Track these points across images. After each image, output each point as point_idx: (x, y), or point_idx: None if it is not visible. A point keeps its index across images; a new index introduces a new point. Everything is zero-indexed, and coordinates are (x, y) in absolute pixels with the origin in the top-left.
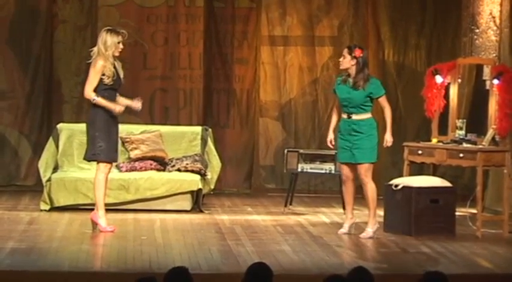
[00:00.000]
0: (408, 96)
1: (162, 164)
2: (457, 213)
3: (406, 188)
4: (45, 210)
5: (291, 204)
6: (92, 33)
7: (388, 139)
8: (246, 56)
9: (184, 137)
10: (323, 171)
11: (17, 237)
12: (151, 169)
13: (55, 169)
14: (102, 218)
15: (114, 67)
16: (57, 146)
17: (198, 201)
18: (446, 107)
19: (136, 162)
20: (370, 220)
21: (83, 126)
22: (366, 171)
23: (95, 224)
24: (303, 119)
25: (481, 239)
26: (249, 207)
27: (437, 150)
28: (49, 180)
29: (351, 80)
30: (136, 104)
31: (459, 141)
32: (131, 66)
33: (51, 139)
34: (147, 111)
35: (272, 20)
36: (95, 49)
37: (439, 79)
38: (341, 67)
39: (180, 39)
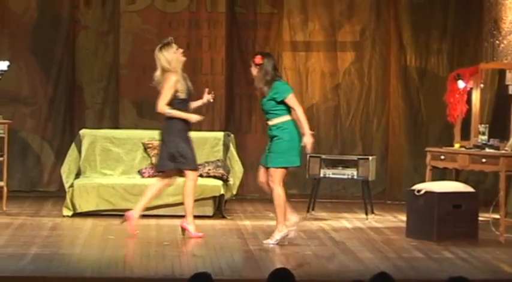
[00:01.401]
0: (430, 101)
1: None
2: (479, 219)
3: (428, 193)
4: (68, 216)
5: (313, 209)
6: (114, 39)
7: (306, 141)
8: None
9: (206, 143)
10: (345, 177)
11: (40, 243)
12: (173, 175)
13: (77, 175)
14: (191, 225)
15: (184, 81)
16: (79, 152)
17: (220, 206)
18: (469, 112)
19: None
20: (277, 226)
21: (105, 132)
22: (272, 176)
23: (184, 231)
24: (325, 124)
25: (504, 244)
26: (271, 212)
27: (460, 155)
28: (72, 186)
29: (260, 87)
30: (209, 98)
31: (482, 147)
32: (153, 72)
33: (73, 145)
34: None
35: (294, 25)
36: (158, 72)
37: (461, 84)
38: (253, 77)
39: (202, 44)
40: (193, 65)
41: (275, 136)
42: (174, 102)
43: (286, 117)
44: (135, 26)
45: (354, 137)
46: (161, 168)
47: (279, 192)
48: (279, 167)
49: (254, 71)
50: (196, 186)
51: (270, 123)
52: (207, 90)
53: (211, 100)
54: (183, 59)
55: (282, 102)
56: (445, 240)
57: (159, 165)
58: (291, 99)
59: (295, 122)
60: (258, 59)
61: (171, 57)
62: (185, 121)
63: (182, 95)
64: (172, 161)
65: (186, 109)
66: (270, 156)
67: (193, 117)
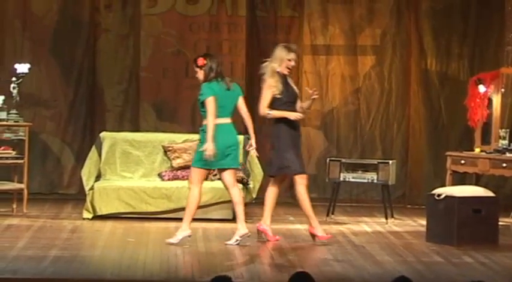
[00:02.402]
0: (451, 105)
1: None
2: (499, 223)
3: (448, 198)
4: (88, 219)
5: (333, 213)
6: (135, 42)
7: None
8: None
9: None
10: (365, 181)
11: (60, 246)
12: None
13: (98, 177)
14: (317, 228)
15: (285, 82)
16: (99, 155)
17: None
18: (489, 116)
19: (179, 171)
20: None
21: (125, 135)
22: (189, 174)
23: (313, 236)
24: (345, 128)
25: None
26: (290, 216)
27: (480, 159)
28: (92, 188)
29: None
30: (312, 93)
31: (502, 151)
32: (173, 75)
33: (93, 147)
34: (189, 120)
35: (314, 29)
36: (267, 63)
37: (482, 89)
38: (200, 82)
39: (223, 48)
40: None
41: (201, 137)
42: (276, 105)
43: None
44: (155, 29)
45: (374, 141)
46: (271, 173)
47: (193, 193)
48: (195, 167)
49: (200, 74)
50: (216, 190)
51: (203, 123)
52: (308, 88)
53: (315, 96)
54: (291, 64)
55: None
56: (465, 244)
57: (270, 170)
58: (208, 103)
59: (223, 126)
60: (201, 61)
61: (279, 58)
62: (291, 123)
63: (280, 96)
64: (279, 168)
65: (289, 110)
66: (194, 154)
67: (292, 116)
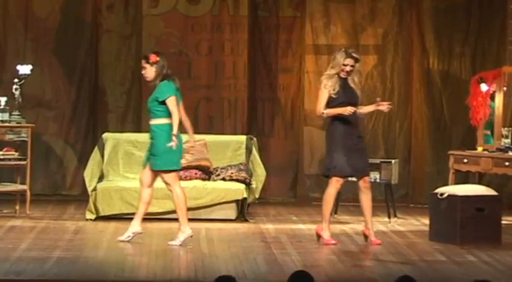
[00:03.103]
0: (453, 104)
1: (207, 173)
2: (502, 222)
3: (451, 197)
4: (91, 220)
5: (336, 213)
6: (137, 43)
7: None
8: (291, 65)
9: (229, 146)
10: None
11: (63, 247)
12: (196, 178)
13: (100, 178)
14: (325, 231)
15: (344, 84)
16: (102, 156)
17: (243, 210)
18: (492, 115)
19: (181, 172)
20: (181, 227)
21: (128, 136)
22: (163, 179)
23: (318, 236)
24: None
25: None
26: (294, 216)
27: (483, 158)
28: (94, 189)
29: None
30: (382, 105)
31: (505, 150)
32: (176, 76)
33: (96, 148)
34: (192, 121)
35: (316, 29)
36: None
37: (484, 87)
38: (148, 80)
39: (225, 48)
40: (216, 69)
41: (152, 137)
42: (331, 105)
43: (166, 120)
44: (157, 29)
45: (377, 140)
46: (322, 173)
47: (178, 193)
48: (163, 170)
49: (151, 70)
50: (218, 190)
51: (150, 122)
52: (379, 99)
53: (381, 108)
54: (346, 69)
55: (164, 103)
56: (468, 243)
57: (322, 170)
58: (170, 102)
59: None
60: (154, 58)
61: (336, 62)
62: (346, 123)
63: (336, 96)
64: (327, 168)
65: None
66: (152, 159)
67: (345, 110)
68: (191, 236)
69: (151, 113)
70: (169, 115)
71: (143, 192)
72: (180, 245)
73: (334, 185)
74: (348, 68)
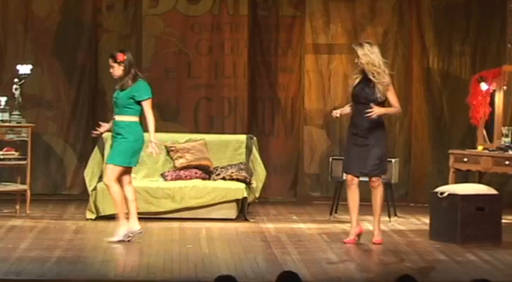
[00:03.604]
0: (453, 103)
1: (207, 172)
2: (503, 221)
3: (451, 196)
4: (91, 219)
5: (336, 212)
6: (137, 43)
7: (150, 149)
8: (291, 64)
9: (229, 146)
10: (368, 179)
11: (64, 246)
12: (196, 178)
13: (101, 178)
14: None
15: (363, 79)
16: (102, 155)
17: (243, 209)
18: (492, 114)
19: (182, 171)
20: (119, 222)
21: None
22: (107, 172)
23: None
24: (347, 126)
25: None
26: (294, 215)
27: (483, 157)
28: (95, 189)
29: (120, 83)
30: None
31: (505, 149)
32: (176, 75)
33: (96, 148)
34: (191, 120)
35: (316, 28)
36: None
37: (484, 86)
38: (115, 77)
39: (225, 48)
40: (216, 69)
41: (120, 134)
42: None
43: (136, 118)
44: (157, 29)
45: None
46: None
47: (115, 190)
48: (118, 165)
49: (119, 69)
50: (219, 190)
51: (118, 118)
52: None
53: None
54: (357, 61)
55: (139, 103)
56: (468, 242)
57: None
58: (148, 103)
59: (141, 125)
60: (121, 56)
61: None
62: (351, 122)
63: (351, 90)
64: (343, 168)
65: (352, 111)
66: (111, 152)
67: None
68: (140, 232)
69: (122, 109)
70: (139, 114)
71: (125, 191)
72: (119, 241)
73: (347, 184)
74: (357, 62)
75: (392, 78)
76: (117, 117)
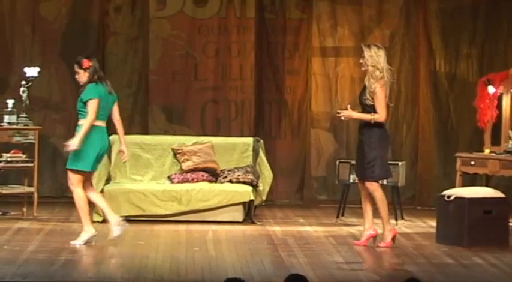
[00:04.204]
0: (460, 106)
1: (214, 175)
2: (510, 224)
3: (458, 199)
4: (98, 222)
5: (343, 215)
6: (144, 45)
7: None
8: (297, 67)
9: (236, 148)
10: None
11: (70, 249)
12: (203, 180)
13: (107, 180)
14: (389, 234)
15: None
16: (109, 158)
17: (250, 212)
18: (499, 117)
19: (189, 174)
20: (83, 227)
21: (134, 138)
22: (69, 177)
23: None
24: (354, 129)
25: None
26: (301, 218)
27: (490, 160)
28: (102, 191)
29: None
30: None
31: None
32: (183, 78)
33: None
34: (198, 123)
35: (323, 31)
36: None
37: (491, 89)
38: (81, 84)
39: (232, 50)
40: (223, 71)
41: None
42: None
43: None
44: (164, 31)
45: None
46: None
47: (79, 194)
48: (75, 170)
49: (84, 75)
50: (226, 193)
51: (79, 123)
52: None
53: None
54: (363, 64)
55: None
56: (475, 246)
57: None
58: (90, 104)
59: (101, 128)
60: (86, 63)
61: None
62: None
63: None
64: None
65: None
66: (70, 157)
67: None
68: (95, 235)
69: (78, 113)
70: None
71: (93, 196)
72: (83, 244)
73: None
74: (361, 61)
75: (399, 84)
76: (78, 122)
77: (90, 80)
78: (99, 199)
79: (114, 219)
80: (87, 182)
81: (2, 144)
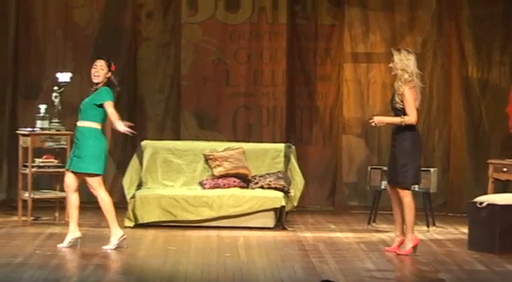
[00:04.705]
0: (492, 112)
1: (245, 181)
2: None
3: (490, 206)
4: (130, 227)
5: (374, 221)
6: (175, 51)
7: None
8: (329, 73)
9: (267, 154)
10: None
11: (101, 254)
12: (234, 186)
13: (139, 186)
14: (410, 243)
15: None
16: (141, 163)
17: (281, 218)
18: None
19: (220, 180)
20: (111, 231)
21: (166, 143)
22: (90, 183)
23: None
24: (386, 135)
25: None
26: (332, 224)
27: None
28: (133, 197)
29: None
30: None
31: None
32: (214, 83)
33: (135, 156)
34: (230, 128)
35: (355, 37)
36: None
37: None
38: (96, 80)
39: (263, 56)
40: (254, 77)
41: (81, 140)
42: None
43: (98, 125)
44: (196, 37)
45: None
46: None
47: (103, 198)
48: (93, 174)
49: (105, 75)
50: (257, 198)
51: (80, 124)
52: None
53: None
54: (393, 68)
55: (101, 107)
56: (507, 253)
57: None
58: (111, 105)
59: (102, 131)
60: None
61: None
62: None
63: None
64: None
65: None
66: (81, 160)
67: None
68: (124, 238)
69: (84, 114)
70: (100, 120)
71: (71, 196)
72: (114, 249)
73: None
74: (391, 65)
75: (431, 90)
76: (79, 123)
77: (106, 83)
78: (76, 204)
79: (74, 229)
80: (77, 182)
81: (34, 150)
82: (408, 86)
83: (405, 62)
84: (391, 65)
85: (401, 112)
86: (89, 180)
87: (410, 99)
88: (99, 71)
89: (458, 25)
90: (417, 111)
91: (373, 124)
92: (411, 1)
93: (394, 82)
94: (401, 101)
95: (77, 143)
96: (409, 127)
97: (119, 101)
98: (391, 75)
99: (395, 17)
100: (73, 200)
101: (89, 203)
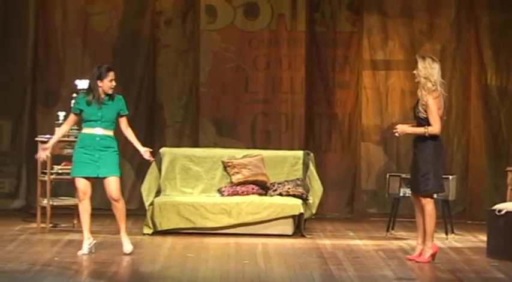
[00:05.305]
0: (511, 120)
1: (263, 188)
2: None
3: (509, 213)
4: (148, 234)
5: (393, 229)
6: (194, 58)
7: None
8: (348, 80)
9: (286, 161)
10: None
11: (120, 262)
12: (253, 193)
13: (158, 193)
14: (429, 250)
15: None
16: (159, 170)
17: (300, 225)
18: None
19: (238, 187)
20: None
21: (185, 150)
22: (117, 186)
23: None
24: (404, 143)
25: None
26: (350, 231)
27: None
28: (152, 204)
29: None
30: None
31: None
32: (233, 91)
33: (153, 163)
34: (249, 136)
35: (374, 44)
36: None
37: None
38: (109, 91)
39: (282, 63)
40: (273, 84)
41: (110, 147)
42: None
43: (113, 132)
44: (215, 44)
45: None
46: None
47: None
48: (119, 177)
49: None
50: (275, 206)
51: (106, 132)
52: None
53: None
54: (416, 75)
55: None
56: None
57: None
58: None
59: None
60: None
61: None
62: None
63: None
64: None
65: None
66: (110, 166)
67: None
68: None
69: (110, 123)
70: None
71: (88, 203)
72: (129, 254)
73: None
74: (414, 72)
75: (450, 98)
76: (106, 132)
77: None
78: (90, 211)
79: (89, 236)
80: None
81: (53, 157)
82: (432, 95)
83: (429, 70)
84: (414, 72)
85: (424, 121)
86: (117, 183)
87: (434, 109)
88: (115, 83)
89: (477, 32)
90: (441, 120)
91: (396, 134)
92: (430, 8)
93: (418, 90)
94: (425, 111)
95: (102, 151)
96: (432, 136)
97: (137, 108)
98: (409, 82)
99: (414, 24)
100: (89, 207)
101: (107, 210)
